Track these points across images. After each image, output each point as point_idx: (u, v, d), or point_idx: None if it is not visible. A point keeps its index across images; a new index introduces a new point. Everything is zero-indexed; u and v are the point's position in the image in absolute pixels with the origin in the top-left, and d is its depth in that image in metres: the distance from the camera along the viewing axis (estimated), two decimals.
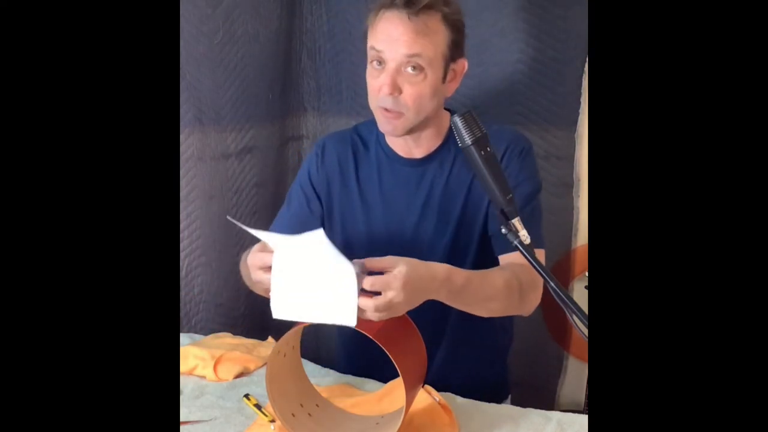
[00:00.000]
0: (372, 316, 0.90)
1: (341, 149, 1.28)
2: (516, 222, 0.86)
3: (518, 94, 1.59)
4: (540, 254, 1.18)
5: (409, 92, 1.11)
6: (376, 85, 1.14)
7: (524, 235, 0.86)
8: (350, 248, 1.27)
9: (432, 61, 1.10)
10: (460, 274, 1.01)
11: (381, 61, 1.12)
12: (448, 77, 1.15)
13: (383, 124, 1.18)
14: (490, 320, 1.12)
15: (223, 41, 1.54)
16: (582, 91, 1.54)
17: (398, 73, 1.11)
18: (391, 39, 1.09)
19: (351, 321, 0.87)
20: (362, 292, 0.89)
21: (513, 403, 1.14)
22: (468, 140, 0.86)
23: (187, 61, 1.47)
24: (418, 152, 1.23)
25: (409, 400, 0.94)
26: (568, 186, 1.60)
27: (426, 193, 1.22)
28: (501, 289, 1.07)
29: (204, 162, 1.55)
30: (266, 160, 1.74)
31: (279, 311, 0.93)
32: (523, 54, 1.57)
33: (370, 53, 1.14)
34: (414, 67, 1.10)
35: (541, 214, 1.21)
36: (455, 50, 1.13)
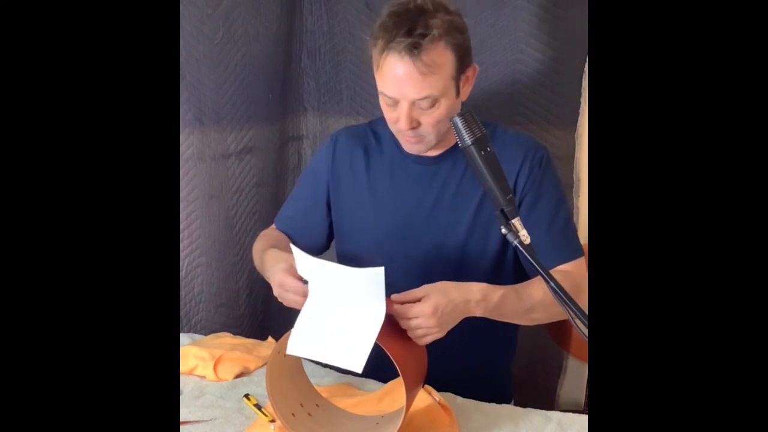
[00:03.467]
0: (416, 340, 0.98)
1: (354, 144, 1.29)
2: (516, 222, 0.86)
3: (518, 94, 1.59)
4: (582, 263, 1.18)
5: (427, 121, 1.12)
6: (393, 117, 1.14)
7: (524, 235, 0.86)
8: (357, 243, 1.28)
9: (443, 91, 1.10)
10: (495, 293, 1.04)
11: (394, 102, 1.11)
12: (461, 85, 1.14)
13: (406, 145, 1.19)
14: (492, 327, 1.13)
15: (223, 41, 1.54)
16: (582, 91, 1.54)
17: (413, 108, 1.10)
18: (399, 84, 1.08)
19: (358, 368, 0.91)
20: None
21: (513, 403, 1.14)
22: (468, 140, 0.86)
23: (187, 61, 1.47)
24: (432, 151, 1.22)
25: (409, 400, 0.94)
26: (568, 186, 1.59)
27: (437, 192, 1.22)
28: (540, 300, 1.09)
29: (204, 162, 1.55)
30: (266, 160, 1.74)
31: (295, 349, 0.95)
32: (523, 54, 1.56)
33: (381, 95, 1.13)
34: (427, 103, 1.10)
35: (573, 223, 1.21)
36: (463, 65, 1.12)
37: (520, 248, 0.86)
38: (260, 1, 1.62)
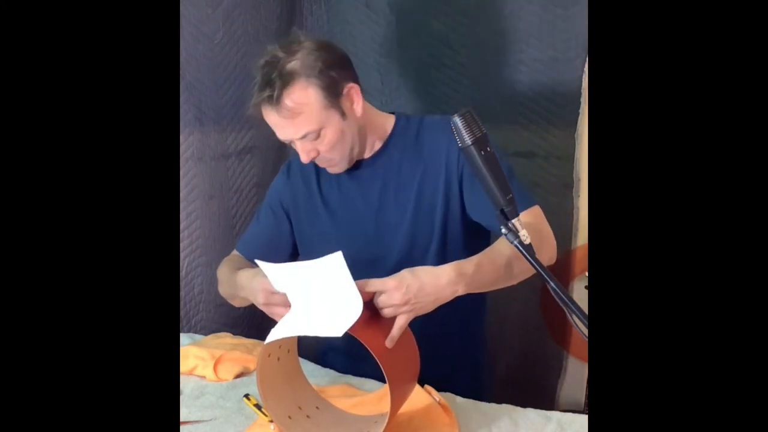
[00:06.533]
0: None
1: (305, 165, 1.31)
2: (516, 222, 0.86)
3: (518, 94, 1.59)
4: (537, 210, 1.19)
5: (323, 149, 1.18)
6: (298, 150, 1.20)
7: (524, 235, 0.86)
8: (321, 255, 1.28)
9: (321, 123, 1.14)
10: (468, 264, 1.03)
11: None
12: (345, 108, 1.17)
13: (327, 170, 1.26)
14: (460, 328, 1.14)
15: (223, 41, 1.54)
16: (582, 91, 1.54)
17: (304, 143, 1.16)
18: (276, 129, 1.16)
19: (339, 332, 0.89)
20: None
21: (513, 403, 1.14)
22: (468, 140, 0.86)
23: (187, 61, 1.47)
24: (366, 154, 1.28)
25: (400, 396, 0.94)
26: (568, 186, 1.59)
27: (380, 186, 1.27)
28: (511, 253, 1.08)
29: (204, 162, 1.55)
30: (266, 160, 1.74)
31: (275, 335, 0.96)
32: (523, 54, 1.56)
33: None
34: (312, 137, 1.15)
35: (518, 178, 1.21)
36: (336, 90, 1.15)
37: (520, 248, 0.86)
38: (260, 1, 1.62)
